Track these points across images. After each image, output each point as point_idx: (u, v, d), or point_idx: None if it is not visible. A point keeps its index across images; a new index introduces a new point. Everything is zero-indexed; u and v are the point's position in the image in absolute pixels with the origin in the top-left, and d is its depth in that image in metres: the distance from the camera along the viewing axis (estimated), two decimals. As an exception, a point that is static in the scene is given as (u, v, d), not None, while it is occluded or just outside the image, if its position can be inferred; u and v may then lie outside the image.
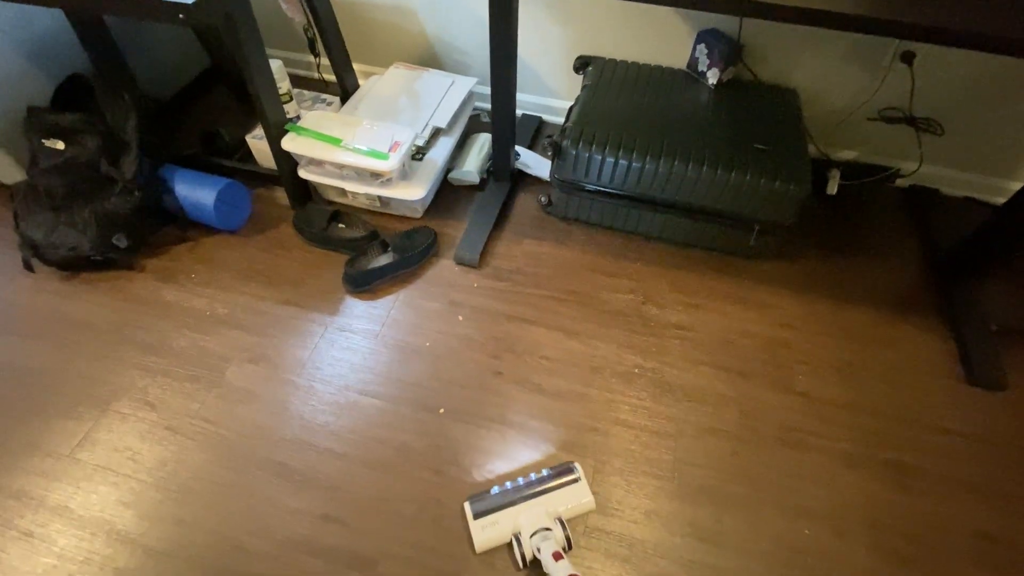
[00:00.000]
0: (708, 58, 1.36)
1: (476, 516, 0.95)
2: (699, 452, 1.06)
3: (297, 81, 1.79)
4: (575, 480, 0.99)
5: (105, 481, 1.01)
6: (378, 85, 1.56)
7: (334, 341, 1.21)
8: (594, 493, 1.00)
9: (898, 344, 1.22)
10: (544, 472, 1.00)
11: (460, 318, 1.25)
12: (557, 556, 0.84)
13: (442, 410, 1.11)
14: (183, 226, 1.38)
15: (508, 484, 0.99)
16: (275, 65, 1.31)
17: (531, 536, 0.90)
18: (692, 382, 1.16)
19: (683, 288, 1.31)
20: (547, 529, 0.90)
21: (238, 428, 1.08)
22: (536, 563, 0.90)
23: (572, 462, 1.02)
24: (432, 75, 1.57)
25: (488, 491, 0.98)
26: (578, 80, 1.58)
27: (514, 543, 0.91)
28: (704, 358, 1.19)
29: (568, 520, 0.96)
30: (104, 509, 0.98)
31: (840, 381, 1.16)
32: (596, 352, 1.20)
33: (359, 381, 1.15)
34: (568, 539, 0.91)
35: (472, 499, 0.97)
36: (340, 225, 1.40)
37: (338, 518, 0.97)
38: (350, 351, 1.19)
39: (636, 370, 1.17)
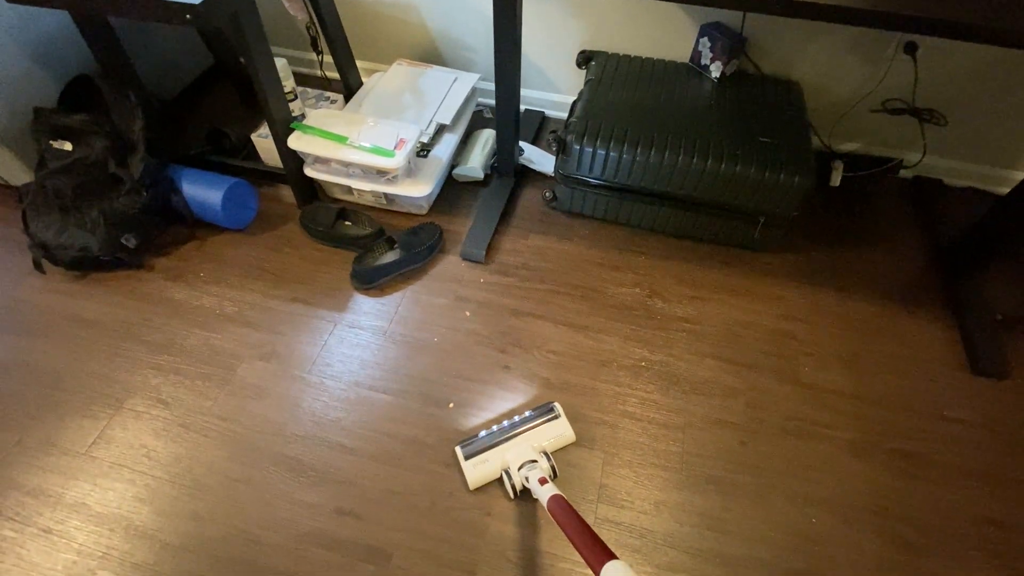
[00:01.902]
0: (711, 51, 1.37)
1: (467, 457, 1.04)
2: (707, 443, 1.08)
3: (300, 79, 1.80)
4: (555, 417, 1.08)
5: (121, 478, 1.03)
6: (381, 82, 1.57)
7: (343, 338, 1.23)
8: (604, 485, 1.03)
9: (903, 334, 1.24)
10: (527, 413, 1.10)
11: (467, 313, 1.27)
12: (543, 481, 0.92)
13: (451, 404, 1.13)
14: (190, 225, 1.39)
15: (494, 427, 1.08)
16: (280, 63, 1.32)
17: (519, 469, 0.98)
18: (699, 374, 1.17)
19: (688, 281, 1.33)
20: (533, 461, 0.99)
21: (251, 424, 1.10)
22: (526, 493, 0.99)
23: (552, 402, 1.10)
24: (435, 71, 1.58)
25: (476, 435, 1.07)
26: (581, 75, 1.59)
27: (504, 477, 1.00)
28: (710, 350, 1.21)
29: (552, 452, 1.04)
30: (121, 505, 1.00)
31: (845, 371, 1.18)
32: (603, 346, 1.21)
33: (369, 377, 1.17)
34: (553, 468, 1.00)
35: (462, 443, 1.06)
36: (346, 223, 1.42)
37: (352, 512, 0.99)
38: (359, 347, 1.21)
39: (643, 363, 1.19)
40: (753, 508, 1.01)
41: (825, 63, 1.40)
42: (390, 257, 1.34)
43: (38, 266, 1.31)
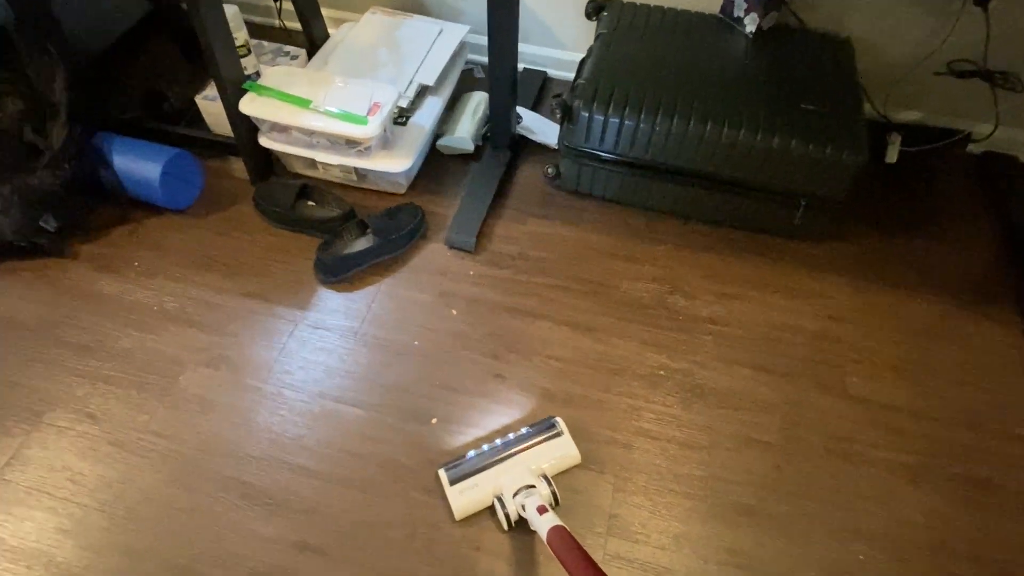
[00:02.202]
0: (746, 1, 1.37)
1: (453, 482, 1.02)
2: (736, 466, 1.09)
3: (254, 31, 1.79)
4: (557, 435, 1.08)
5: (40, 506, 1.03)
6: (351, 34, 1.56)
7: (305, 340, 1.23)
8: (614, 515, 1.03)
9: (968, 339, 1.25)
10: (524, 430, 1.09)
11: (453, 312, 1.27)
12: (542, 510, 0.91)
13: (434, 420, 1.13)
14: (123, 205, 1.39)
15: (485, 447, 1.07)
16: (230, 12, 1.31)
17: (514, 495, 0.97)
18: (727, 385, 1.18)
19: (716, 275, 1.33)
20: (531, 487, 0.98)
21: (195, 443, 1.10)
22: (522, 523, 0.98)
23: (553, 416, 1.10)
24: (416, 22, 1.58)
25: (464, 456, 1.06)
26: (591, 28, 1.58)
27: (497, 505, 0.99)
28: (741, 357, 1.21)
29: (553, 476, 1.03)
30: (40, 539, 1.00)
31: (900, 383, 1.19)
32: (614, 351, 1.22)
33: (336, 387, 1.17)
34: (555, 495, 0.99)
35: (447, 466, 1.05)
36: (310, 203, 1.41)
37: (316, 547, 0.99)
38: (325, 352, 1.21)
39: (662, 372, 1.19)
40: (790, 543, 1.02)
41: (881, 16, 1.40)
42: (362, 244, 1.33)
43: (-61, 253, 1.31)
